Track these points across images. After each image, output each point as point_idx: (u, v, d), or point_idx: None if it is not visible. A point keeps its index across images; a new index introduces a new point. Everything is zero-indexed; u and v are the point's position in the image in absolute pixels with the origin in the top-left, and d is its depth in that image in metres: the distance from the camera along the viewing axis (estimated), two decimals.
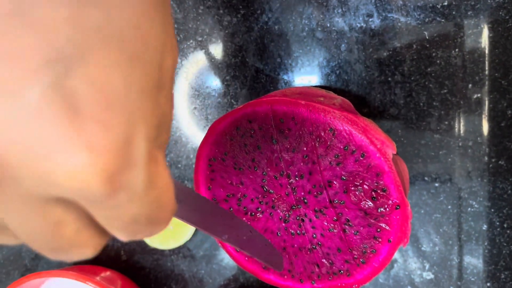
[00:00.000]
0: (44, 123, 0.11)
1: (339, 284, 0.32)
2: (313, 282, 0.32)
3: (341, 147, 0.28)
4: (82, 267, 0.40)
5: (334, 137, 0.28)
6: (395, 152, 0.27)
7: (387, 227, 0.29)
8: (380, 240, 0.29)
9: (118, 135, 0.12)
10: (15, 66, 0.10)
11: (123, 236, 0.15)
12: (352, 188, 0.29)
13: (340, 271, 0.31)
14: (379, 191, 0.28)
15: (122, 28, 0.12)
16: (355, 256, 0.30)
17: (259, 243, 0.28)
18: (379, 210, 0.28)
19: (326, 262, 0.31)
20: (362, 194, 0.28)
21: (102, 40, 0.11)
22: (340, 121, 0.27)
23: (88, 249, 0.15)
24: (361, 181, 0.28)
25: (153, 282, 0.41)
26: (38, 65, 0.10)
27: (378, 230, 0.29)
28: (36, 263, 0.43)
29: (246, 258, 0.34)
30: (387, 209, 0.28)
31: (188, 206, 0.23)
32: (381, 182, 0.27)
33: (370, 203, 0.28)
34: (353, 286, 0.31)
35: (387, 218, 0.28)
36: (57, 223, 0.13)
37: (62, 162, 0.11)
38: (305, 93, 0.30)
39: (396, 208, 0.28)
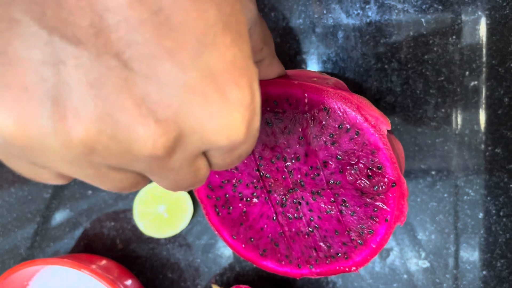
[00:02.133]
0: (203, 98, 0.14)
1: (337, 268, 0.32)
2: (311, 266, 0.32)
3: (336, 125, 0.28)
4: (78, 256, 0.40)
5: (328, 116, 0.28)
6: (389, 128, 0.27)
7: (384, 206, 0.28)
8: (377, 220, 0.29)
9: (249, 92, 0.16)
10: (173, 61, 0.14)
11: (220, 168, 0.19)
12: (348, 167, 0.28)
13: (338, 254, 0.31)
14: (374, 169, 0.28)
15: (229, 15, 0.15)
16: (353, 238, 0.30)
17: None
18: (375, 188, 0.28)
19: (323, 245, 0.31)
20: (358, 173, 0.28)
21: (222, 27, 0.15)
22: (334, 100, 0.27)
23: (205, 181, 0.19)
24: (356, 160, 0.28)
25: (149, 271, 0.41)
26: (188, 57, 0.14)
27: (375, 209, 0.29)
28: (32, 252, 0.42)
29: (243, 246, 0.34)
30: (383, 187, 0.28)
31: None
32: (376, 160, 0.27)
33: (366, 181, 0.28)
34: (352, 269, 0.31)
35: (383, 196, 0.28)
36: (198, 169, 0.17)
37: (220, 125, 0.15)
38: (298, 74, 0.30)
39: (392, 186, 0.28)
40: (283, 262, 0.33)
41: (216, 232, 0.34)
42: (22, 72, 0.13)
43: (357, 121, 0.27)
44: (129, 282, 0.39)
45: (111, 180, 0.16)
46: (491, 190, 0.35)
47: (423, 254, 0.37)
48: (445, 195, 0.36)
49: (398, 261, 0.38)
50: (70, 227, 0.42)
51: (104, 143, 0.14)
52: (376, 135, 0.27)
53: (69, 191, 0.41)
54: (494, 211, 0.36)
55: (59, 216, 0.42)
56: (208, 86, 0.14)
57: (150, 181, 0.19)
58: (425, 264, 0.37)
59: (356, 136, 0.27)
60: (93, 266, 0.37)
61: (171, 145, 0.15)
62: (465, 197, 0.36)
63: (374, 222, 0.29)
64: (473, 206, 0.36)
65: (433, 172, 0.36)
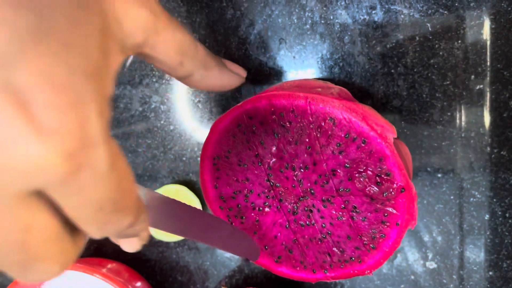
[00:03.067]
0: (0, 118, 0.11)
1: (352, 271, 0.32)
2: (325, 271, 0.33)
3: (342, 135, 0.28)
4: (88, 260, 0.40)
5: (334, 126, 0.28)
6: (395, 136, 0.27)
7: (394, 211, 0.29)
8: (388, 224, 0.29)
9: (71, 115, 0.12)
10: None
11: (93, 230, 0.15)
12: (356, 175, 0.29)
13: (351, 258, 0.32)
14: (383, 175, 0.28)
15: (56, 22, 0.13)
16: (365, 242, 0.31)
17: (239, 238, 0.29)
18: (384, 194, 0.29)
19: (337, 250, 0.32)
20: (367, 180, 0.29)
21: (39, 36, 0.12)
22: (339, 110, 0.27)
23: (54, 265, 0.14)
24: (364, 167, 0.28)
25: (159, 274, 0.42)
26: None
27: (386, 214, 0.29)
28: None
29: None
30: (393, 193, 0.28)
31: (160, 212, 0.21)
32: (385, 167, 0.28)
33: (375, 188, 0.29)
34: (366, 272, 0.31)
35: (393, 202, 0.29)
36: (25, 229, 0.13)
37: (23, 151, 0.12)
38: (302, 85, 0.31)
39: (402, 191, 0.28)
40: (298, 268, 0.33)
41: None
42: None
43: (363, 130, 0.27)
44: (139, 284, 0.39)
45: None
46: (497, 191, 0.36)
47: (430, 256, 0.38)
48: (451, 197, 0.37)
49: (405, 262, 0.38)
50: None
51: None
52: (383, 144, 0.27)
53: None
54: (500, 213, 0.36)
55: None
56: (7, 104, 0.11)
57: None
58: (432, 265, 0.38)
59: (363, 145, 0.28)
60: (104, 270, 0.37)
61: None
62: (471, 199, 0.36)
63: (386, 226, 0.30)
64: (479, 208, 0.36)
65: (439, 174, 0.36)
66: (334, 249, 0.32)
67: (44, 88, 0.12)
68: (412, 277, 0.38)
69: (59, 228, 0.14)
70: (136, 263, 0.42)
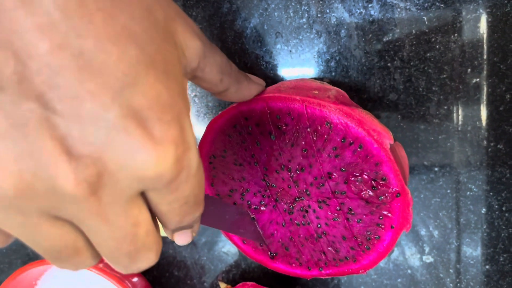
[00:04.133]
0: (125, 134, 0.14)
1: (346, 270, 0.32)
2: (320, 269, 0.33)
3: (338, 139, 0.28)
4: None
5: (331, 130, 0.28)
6: (392, 142, 0.27)
7: (389, 214, 0.29)
8: (383, 226, 0.29)
9: (176, 127, 0.16)
10: (95, 101, 0.14)
11: (174, 222, 0.18)
12: (352, 178, 0.29)
13: (346, 257, 0.32)
14: (378, 180, 0.28)
15: (153, 54, 0.16)
16: (360, 243, 0.31)
17: (247, 222, 0.30)
18: (380, 198, 0.29)
19: (332, 250, 0.32)
20: (362, 184, 0.29)
21: (145, 66, 0.15)
22: (335, 115, 0.27)
23: (153, 253, 0.18)
24: (360, 172, 0.28)
25: (155, 269, 0.42)
26: (109, 97, 0.14)
27: (381, 217, 0.29)
28: None
29: (254, 249, 0.34)
30: (388, 197, 0.28)
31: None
32: (380, 172, 0.28)
33: (371, 192, 0.29)
34: (360, 271, 0.31)
35: (388, 205, 0.29)
36: (136, 224, 0.16)
37: (144, 158, 0.15)
38: (299, 86, 0.31)
39: (397, 196, 0.28)
40: (293, 265, 0.34)
41: (227, 237, 0.34)
42: None
43: (360, 135, 0.27)
44: (136, 280, 0.39)
45: (44, 235, 0.16)
46: (494, 185, 0.36)
47: (426, 250, 0.38)
48: (448, 191, 0.37)
49: (402, 256, 0.38)
50: None
51: (27, 181, 0.14)
52: (380, 149, 0.27)
53: None
54: (496, 206, 0.36)
55: None
56: (129, 123, 0.14)
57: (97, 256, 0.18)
58: (429, 259, 0.38)
59: (359, 150, 0.28)
60: (100, 265, 0.37)
61: (94, 181, 0.15)
62: (468, 192, 0.36)
63: (381, 228, 0.30)
64: (475, 202, 0.36)
65: (436, 168, 0.36)
66: (329, 248, 0.32)
67: (156, 107, 0.15)
68: (409, 271, 0.38)
69: (153, 222, 0.17)
70: None
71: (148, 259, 0.18)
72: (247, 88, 0.28)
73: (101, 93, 0.14)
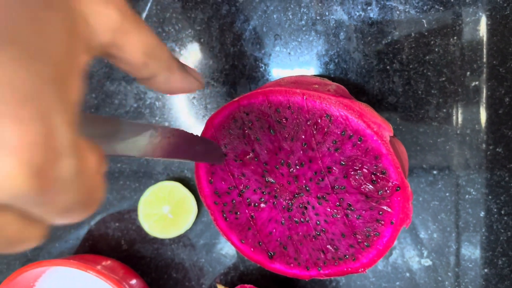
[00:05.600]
0: None
1: (345, 269, 0.32)
2: (319, 268, 0.33)
3: (338, 132, 0.28)
4: (83, 256, 0.40)
5: (331, 123, 0.28)
6: (392, 134, 0.27)
7: (389, 209, 0.29)
8: (382, 222, 0.29)
9: (36, 128, 0.12)
10: None
11: (57, 222, 0.15)
12: (352, 172, 0.29)
13: (345, 256, 0.31)
14: (378, 174, 0.28)
15: (18, 27, 0.12)
16: (359, 240, 0.31)
17: (204, 144, 0.29)
18: (379, 192, 0.28)
19: (331, 248, 0.32)
20: (362, 178, 0.29)
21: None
22: (335, 107, 0.27)
23: (33, 241, 0.15)
24: (360, 165, 0.28)
25: (154, 271, 0.42)
26: None
27: (380, 212, 0.29)
28: (37, 253, 0.43)
29: (252, 249, 0.34)
30: (388, 191, 0.28)
31: (168, 143, 0.23)
32: (380, 165, 0.28)
33: (371, 186, 0.29)
34: (359, 270, 0.31)
35: (388, 200, 0.29)
36: None
37: None
38: (299, 81, 0.30)
39: (397, 190, 0.28)
40: (292, 265, 0.33)
41: (225, 237, 0.34)
42: None
43: (360, 128, 0.27)
44: (134, 282, 0.39)
45: None
46: (492, 188, 0.36)
47: (425, 253, 0.38)
48: (447, 194, 0.37)
49: (401, 259, 0.38)
50: (75, 228, 0.42)
51: None
52: (379, 141, 0.27)
53: None
54: (495, 210, 0.36)
55: None
56: None
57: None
58: (427, 262, 0.38)
59: (359, 142, 0.28)
60: (99, 267, 0.37)
61: None
62: (467, 196, 0.36)
63: (380, 224, 0.29)
64: (474, 205, 0.36)
65: (435, 172, 0.36)
66: (328, 246, 0.32)
67: (5, 99, 0.11)
68: (408, 274, 0.38)
69: (28, 215, 0.14)
70: (131, 260, 0.42)
71: (29, 246, 0.15)
72: (180, 80, 0.24)
73: None
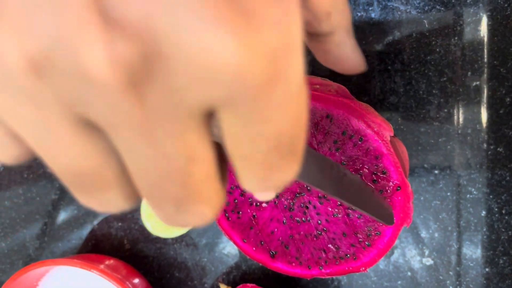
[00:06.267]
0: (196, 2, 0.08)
1: (347, 268, 0.32)
2: (320, 267, 0.33)
3: (339, 132, 0.28)
4: (86, 256, 0.40)
5: (331, 123, 0.28)
6: (392, 134, 0.28)
7: None
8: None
9: (279, 4, 0.09)
10: None
11: (254, 179, 0.12)
12: (353, 172, 0.29)
13: (346, 255, 0.32)
14: (379, 173, 0.28)
15: None
16: (360, 240, 0.31)
17: (368, 193, 0.25)
18: (380, 192, 0.29)
19: (332, 247, 0.32)
20: (363, 177, 0.29)
21: None
22: (336, 107, 0.27)
23: (209, 208, 0.12)
24: (361, 165, 0.29)
25: (156, 270, 0.42)
26: None
27: None
28: (40, 253, 0.43)
29: (254, 248, 0.34)
30: (388, 191, 0.28)
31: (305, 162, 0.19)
32: (381, 165, 0.28)
33: (371, 186, 0.29)
34: (360, 269, 0.32)
35: (388, 200, 0.29)
36: (191, 158, 0.10)
37: (224, 43, 0.09)
38: None
39: (397, 190, 0.28)
40: (293, 264, 0.34)
41: (227, 237, 0.34)
42: None
43: (360, 128, 0.27)
44: (137, 281, 0.40)
45: (64, 145, 0.10)
46: (494, 188, 0.36)
47: (426, 252, 0.38)
48: (448, 193, 0.37)
49: (402, 258, 0.38)
50: (78, 228, 0.42)
51: (41, 49, 0.09)
52: (380, 141, 0.27)
53: None
54: (496, 209, 0.36)
55: (67, 217, 0.42)
56: None
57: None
58: (429, 261, 0.38)
59: (360, 142, 0.28)
60: (102, 266, 0.37)
61: (136, 66, 0.09)
62: (468, 195, 0.36)
63: (381, 224, 0.30)
64: (475, 204, 0.36)
65: (436, 171, 0.37)
66: (330, 245, 0.32)
67: None
68: (409, 273, 0.38)
69: (216, 166, 0.12)
70: (134, 259, 0.42)
71: (201, 215, 0.12)
72: (352, 48, 0.20)
73: None
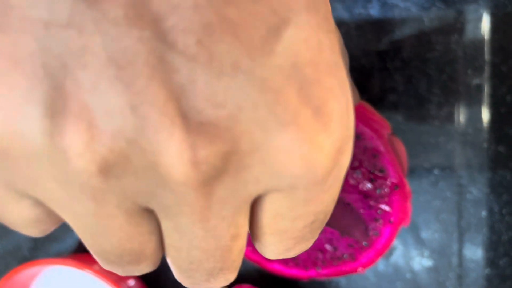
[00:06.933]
0: (275, 96, 0.09)
1: (344, 269, 0.32)
2: (318, 268, 0.32)
3: None
4: (80, 256, 0.40)
5: None
6: (389, 132, 0.27)
7: (387, 208, 0.29)
8: (381, 221, 0.29)
9: (342, 98, 0.10)
10: (234, 43, 0.09)
11: (282, 249, 0.12)
12: (350, 171, 0.29)
13: (344, 255, 0.31)
14: (376, 172, 0.28)
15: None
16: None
17: (339, 209, 0.26)
18: (378, 191, 0.28)
19: (329, 247, 0.31)
20: (360, 176, 0.28)
21: (305, 4, 0.10)
22: None
23: (234, 275, 0.13)
24: (358, 164, 0.28)
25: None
26: (257, 39, 0.09)
27: (379, 211, 0.29)
28: (35, 253, 0.43)
29: (250, 249, 0.34)
30: (386, 190, 0.28)
31: None
32: (379, 163, 0.28)
33: (369, 185, 0.28)
34: (358, 270, 0.31)
35: (386, 199, 0.28)
36: (234, 237, 0.11)
37: (301, 141, 0.10)
38: None
39: (395, 189, 0.28)
40: (290, 264, 0.33)
41: None
42: (16, 37, 0.09)
43: (357, 125, 0.27)
44: (132, 282, 0.39)
45: (113, 233, 0.10)
46: (494, 188, 0.36)
47: (426, 253, 0.37)
48: (448, 193, 0.36)
49: (402, 260, 0.38)
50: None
51: (120, 150, 0.09)
52: (377, 140, 0.27)
53: None
54: (497, 210, 0.36)
55: None
56: (288, 83, 0.09)
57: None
58: (429, 262, 0.37)
59: (357, 140, 0.27)
60: (96, 266, 0.37)
61: (216, 165, 0.09)
62: (468, 195, 0.36)
63: (379, 224, 0.29)
64: (476, 205, 0.36)
65: (436, 171, 0.36)
66: (327, 245, 0.32)
67: (317, 63, 0.10)
68: (409, 274, 0.38)
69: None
70: None
71: (226, 281, 0.13)
72: (354, 90, 0.22)
73: (246, 27, 0.09)
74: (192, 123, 0.09)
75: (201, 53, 0.09)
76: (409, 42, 0.35)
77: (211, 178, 0.09)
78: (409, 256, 0.38)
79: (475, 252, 0.37)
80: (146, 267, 0.12)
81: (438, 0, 0.34)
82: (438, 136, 0.36)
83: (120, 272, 0.12)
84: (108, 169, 0.09)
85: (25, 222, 0.11)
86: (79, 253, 0.42)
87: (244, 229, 0.11)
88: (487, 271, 0.37)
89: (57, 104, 0.09)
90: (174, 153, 0.09)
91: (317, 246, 0.32)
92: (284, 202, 0.11)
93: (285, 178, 0.10)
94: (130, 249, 0.11)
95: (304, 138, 0.09)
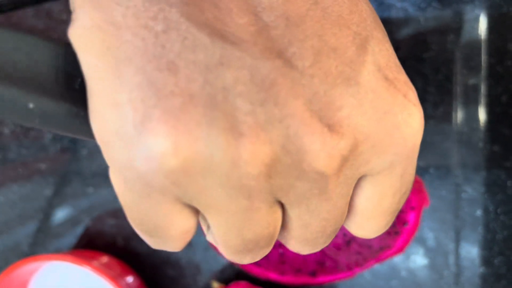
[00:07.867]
0: (373, 95, 0.12)
1: (385, 257, 0.35)
2: (361, 265, 0.35)
3: None
4: (79, 252, 0.40)
5: None
6: None
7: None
8: (404, 210, 0.32)
9: (413, 90, 0.14)
10: (339, 57, 0.12)
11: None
12: None
13: (381, 248, 0.34)
14: None
15: (374, 11, 0.14)
16: (388, 232, 0.33)
17: None
18: None
19: (365, 247, 0.34)
20: None
21: (374, 22, 0.13)
22: None
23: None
24: None
25: (150, 268, 0.42)
26: (354, 52, 0.13)
27: None
28: (34, 249, 0.43)
29: (294, 274, 0.35)
30: None
31: None
32: None
33: None
34: (398, 253, 0.34)
35: None
36: (347, 204, 0.14)
37: (413, 126, 0.13)
38: None
39: None
40: (335, 271, 0.36)
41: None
42: (186, 77, 0.11)
43: None
44: (130, 278, 0.39)
45: (257, 224, 0.13)
46: (489, 187, 0.36)
47: (421, 251, 0.38)
48: (443, 192, 0.36)
49: (397, 258, 0.38)
50: (72, 225, 0.42)
51: (275, 155, 0.12)
52: None
53: (70, 188, 0.42)
54: (491, 209, 0.36)
55: (61, 214, 0.42)
56: (379, 82, 0.13)
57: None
58: (424, 261, 0.38)
59: None
60: (95, 263, 0.37)
61: (346, 156, 0.12)
62: (463, 194, 0.36)
63: (403, 213, 0.32)
64: (471, 204, 0.36)
65: (431, 170, 0.36)
66: (362, 248, 0.33)
67: (393, 66, 0.13)
68: (404, 273, 0.38)
69: None
70: (127, 256, 0.42)
71: (329, 240, 0.15)
72: None
73: (344, 47, 0.12)
74: (325, 125, 0.12)
75: (317, 71, 0.12)
76: (405, 42, 0.35)
77: (341, 166, 0.12)
78: (404, 254, 0.38)
79: (470, 251, 0.37)
80: (268, 250, 0.15)
81: (435, 0, 0.34)
82: (434, 135, 0.36)
83: (248, 260, 0.14)
84: (268, 173, 0.12)
85: (181, 233, 0.13)
86: (78, 249, 0.42)
87: (279, 220, 0.14)
88: (482, 269, 0.37)
89: (230, 126, 0.11)
90: (317, 151, 0.12)
91: (354, 251, 0.33)
92: (385, 180, 0.14)
93: (388, 156, 0.13)
94: (267, 234, 0.13)
95: (400, 121, 0.13)
